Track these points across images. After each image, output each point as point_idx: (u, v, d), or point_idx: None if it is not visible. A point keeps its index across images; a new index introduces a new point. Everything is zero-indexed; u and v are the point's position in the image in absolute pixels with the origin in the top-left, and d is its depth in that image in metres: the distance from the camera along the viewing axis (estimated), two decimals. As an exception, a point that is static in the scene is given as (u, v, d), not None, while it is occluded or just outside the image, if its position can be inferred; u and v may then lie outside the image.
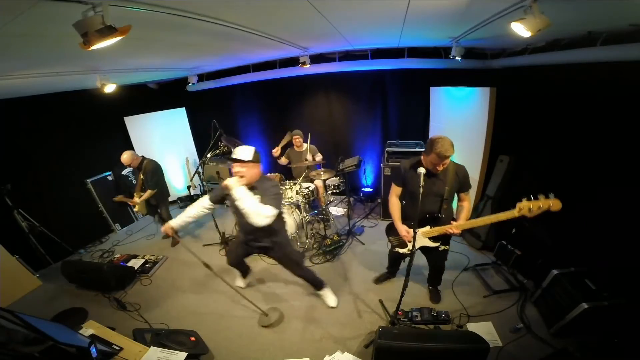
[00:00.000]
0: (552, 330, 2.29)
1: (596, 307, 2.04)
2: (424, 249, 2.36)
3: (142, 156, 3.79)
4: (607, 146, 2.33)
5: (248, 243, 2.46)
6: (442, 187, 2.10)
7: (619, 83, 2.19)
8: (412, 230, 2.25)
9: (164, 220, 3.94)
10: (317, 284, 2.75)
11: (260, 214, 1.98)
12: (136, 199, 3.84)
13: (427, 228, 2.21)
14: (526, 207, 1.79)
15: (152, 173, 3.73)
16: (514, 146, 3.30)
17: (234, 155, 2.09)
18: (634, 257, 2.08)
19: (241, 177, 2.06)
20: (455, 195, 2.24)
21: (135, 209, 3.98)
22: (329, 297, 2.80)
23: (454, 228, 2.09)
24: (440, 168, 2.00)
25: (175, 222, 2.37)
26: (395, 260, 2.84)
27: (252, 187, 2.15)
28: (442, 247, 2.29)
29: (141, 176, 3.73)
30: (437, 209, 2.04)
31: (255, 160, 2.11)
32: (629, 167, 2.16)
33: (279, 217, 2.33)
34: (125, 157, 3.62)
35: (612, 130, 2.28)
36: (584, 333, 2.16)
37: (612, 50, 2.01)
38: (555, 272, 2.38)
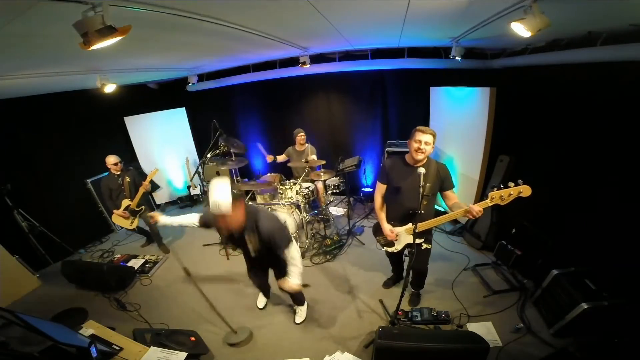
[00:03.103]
0: (552, 330, 2.29)
1: (596, 307, 2.04)
2: (409, 250, 2.36)
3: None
4: (607, 146, 2.33)
5: (255, 266, 2.46)
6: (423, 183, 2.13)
7: (619, 83, 2.19)
8: (395, 229, 2.28)
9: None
10: (299, 300, 2.65)
11: (297, 265, 2.05)
12: (128, 202, 3.69)
13: (410, 225, 2.22)
14: (497, 195, 1.83)
15: (139, 173, 3.80)
16: (514, 146, 3.30)
17: (214, 209, 1.71)
18: (634, 257, 2.08)
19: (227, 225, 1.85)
20: (440, 196, 2.26)
21: (133, 226, 3.80)
22: (301, 315, 2.69)
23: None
24: (423, 149, 2.05)
25: (165, 218, 2.25)
26: (396, 260, 2.82)
27: (242, 229, 1.94)
28: (424, 246, 2.31)
29: (127, 179, 3.66)
30: (417, 205, 2.06)
31: (236, 198, 1.75)
32: (629, 167, 2.16)
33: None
34: (113, 158, 3.57)
35: (612, 131, 2.28)
36: (584, 333, 2.16)
37: (612, 50, 2.01)
38: (555, 272, 2.37)
